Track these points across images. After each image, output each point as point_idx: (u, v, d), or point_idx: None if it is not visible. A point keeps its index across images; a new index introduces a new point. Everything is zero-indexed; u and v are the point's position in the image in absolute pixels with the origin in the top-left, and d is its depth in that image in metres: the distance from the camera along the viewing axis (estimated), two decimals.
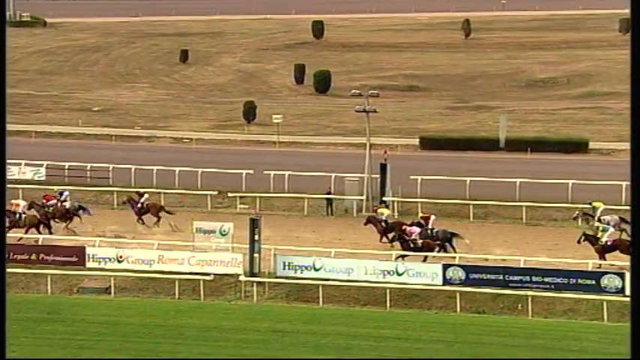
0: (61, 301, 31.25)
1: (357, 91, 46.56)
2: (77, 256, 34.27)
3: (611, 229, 34.44)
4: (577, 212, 38.81)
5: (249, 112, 68.72)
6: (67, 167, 49.27)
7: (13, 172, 49.03)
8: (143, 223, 39.72)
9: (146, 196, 40.78)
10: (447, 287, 31.81)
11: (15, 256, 34.25)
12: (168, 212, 40.02)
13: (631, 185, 20.13)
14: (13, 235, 36.71)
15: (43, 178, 48.45)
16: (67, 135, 63.22)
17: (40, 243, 35.68)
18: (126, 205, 41.10)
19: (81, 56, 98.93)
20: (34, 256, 34.36)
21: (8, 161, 49.76)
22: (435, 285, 32.00)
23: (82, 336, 27.01)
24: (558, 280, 31.32)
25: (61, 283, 33.00)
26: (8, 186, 44.87)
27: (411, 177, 44.83)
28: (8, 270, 32.94)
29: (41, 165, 49.40)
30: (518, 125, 64.55)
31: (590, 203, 38.59)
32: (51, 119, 69.71)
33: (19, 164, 49.52)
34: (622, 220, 35.90)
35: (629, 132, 20.27)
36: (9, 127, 69.28)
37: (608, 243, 33.35)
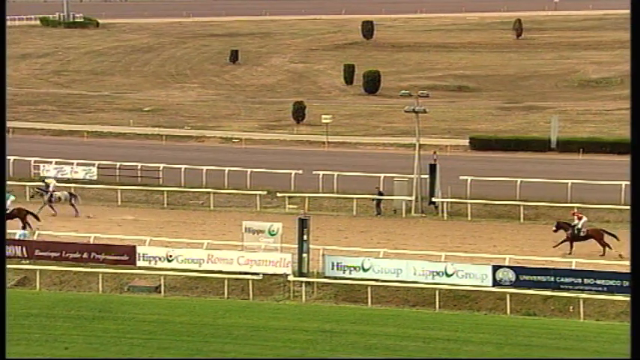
0: (112, 299, 31.55)
1: (407, 92, 46.45)
2: (128, 254, 34.58)
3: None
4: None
5: (299, 113, 68.85)
6: (118, 167, 49.75)
7: (65, 171, 49.64)
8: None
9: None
10: (496, 289, 31.60)
11: (67, 254, 34.68)
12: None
13: (631, 185, 20.06)
14: (65, 234, 37.16)
15: (95, 178, 48.96)
16: (119, 135, 63.82)
17: (91, 242, 36.04)
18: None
19: (132, 57, 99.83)
20: (85, 255, 34.73)
21: (61, 160, 50.53)
22: (484, 286, 31.81)
23: (133, 334, 27.23)
24: (611, 283, 30.95)
25: (112, 282, 33.31)
26: (61, 185, 45.63)
27: (461, 177, 44.60)
28: (61, 268, 33.47)
29: (93, 164, 49.92)
30: (570, 126, 63.94)
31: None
32: (103, 119, 70.42)
33: (72, 164, 50.09)
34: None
35: (630, 132, 20.27)
36: (63, 126, 70.43)
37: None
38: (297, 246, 33.47)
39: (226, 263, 33.89)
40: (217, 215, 42.63)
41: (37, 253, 34.82)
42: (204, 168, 48.29)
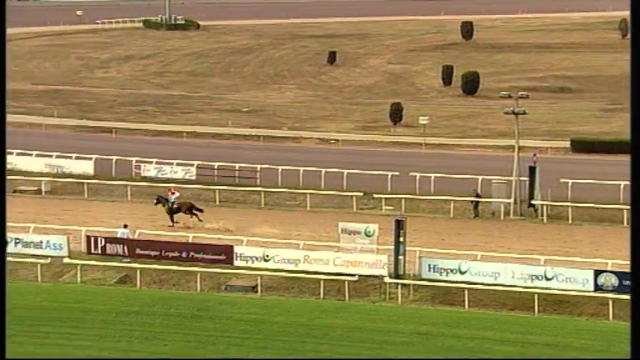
0: (209, 298, 31.97)
1: (506, 93, 45.93)
2: (226, 254, 35.00)
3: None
4: None
5: (396, 114, 68.69)
6: (216, 167, 50.42)
7: (165, 171, 50.52)
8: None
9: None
10: (598, 294, 31.00)
11: (167, 253, 35.30)
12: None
13: (631, 185, 20.13)
14: (164, 233, 37.82)
15: (194, 178, 49.71)
16: (217, 135, 64.67)
17: (190, 241, 36.60)
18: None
19: (231, 58, 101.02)
20: (184, 254, 35.29)
21: (161, 160, 51.45)
22: (586, 291, 31.24)
23: (230, 333, 27.55)
24: None
25: (209, 281, 33.76)
26: (160, 185, 46.49)
27: (562, 180, 43.90)
28: (160, 267, 34.08)
29: (192, 164, 50.69)
30: None
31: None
32: (202, 120, 71.45)
33: (171, 164, 50.96)
34: None
35: (630, 132, 20.44)
36: (162, 127, 71.68)
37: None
38: (393, 248, 33.41)
39: (322, 264, 34.01)
40: (313, 216, 42.83)
41: (138, 251, 35.52)
42: (301, 169, 48.57)
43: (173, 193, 41.19)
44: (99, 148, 54.58)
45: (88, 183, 47.18)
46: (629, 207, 40.18)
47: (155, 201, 41.20)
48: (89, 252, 35.69)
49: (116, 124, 66.95)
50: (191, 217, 40.36)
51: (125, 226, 36.58)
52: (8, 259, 34.36)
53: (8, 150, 52.12)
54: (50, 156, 52.04)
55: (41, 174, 49.70)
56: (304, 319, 29.24)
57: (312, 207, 44.39)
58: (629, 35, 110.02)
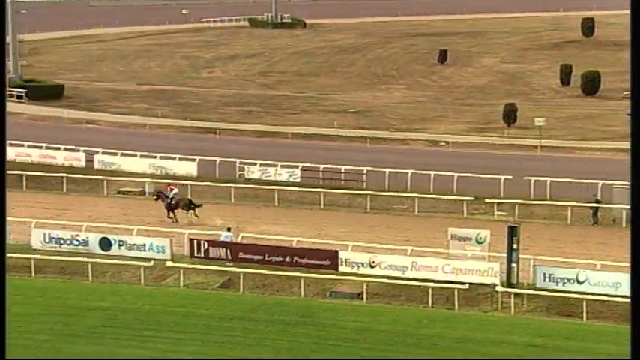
0: (313, 304, 32.06)
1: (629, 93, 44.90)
2: (331, 259, 35.07)
3: None
4: None
5: (510, 115, 67.85)
6: (321, 169, 50.58)
7: (269, 173, 50.94)
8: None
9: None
10: None
11: (270, 257, 35.57)
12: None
13: (631, 185, 20.59)
14: (268, 237, 38.12)
15: (298, 180, 50.00)
16: (323, 137, 64.85)
17: (294, 245, 36.80)
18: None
19: (338, 57, 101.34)
20: (288, 259, 35.51)
21: (265, 162, 51.91)
22: None
23: (334, 341, 27.59)
24: None
25: (314, 287, 33.86)
26: (265, 187, 46.91)
27: None
28: (263, 271, 34.34)
29: (296, 167, 51.00)
30: None
31: None
32: (307, 121, 71.84)
33: (275, 166, 51.37)
34: None
35: (629, 132, 20.91)
36: (267, 128, 72.27)
37: None
38: (505, 255, 32.97)
39: (431, 271, 33.79)
40: (422, 221, 42.60)
41: (241, 255, 35.88)
42: (409, 172, 48.37)
43: (172, 189, 42.21)
44: (202, 149, 55.39)
45: (191, 185, 47.88)
46: None
47: (155, 197, 42.79)
48: (192, 255, 36.22)
49: (220, 125, 67.85)
50: (187, 214, 41.42)
51: (229, 229, 37.00)
52: (113, 261, 35.32)
53: (113, 151, 53.60)
54: (154, 157, 53.02)
55: (145, 175, 50.67)
56: (411, 328, 29.09)
57: (420, 212, 44.15)
58: None
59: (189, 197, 43.00)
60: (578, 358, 25.43)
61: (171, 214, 41.73)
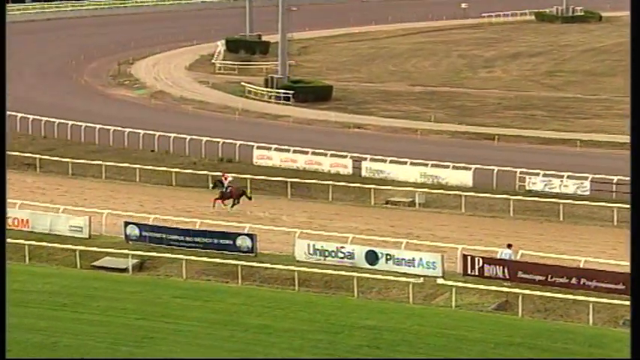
0: (604, 333, 31.16)
1: None
2: (624, 283, 33.96)
3: None
4: None
5: None
6: (615, 182, 49.07)
7: (553, 184, 50.08)
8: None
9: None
10: None
11: (554, 279, 34.99)
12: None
13: (631, 185, 22.13)
14: (550, 255, 37.46)
15: (587, 193, 48.85)
16: (616, 145, 62.90)
17: (581, 266, 36.04)
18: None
19: None
20: (574, 281, 34.79)
21: (549, 172, 51.05)
22: None
23: None
24: None
25: (604, 313, 32.99)
26: (549, 200, 46.20)
27: None
28: (547, 294, 33.76)
29: (585, 178, 49.85)
30: None
31: None
32: (599, 126, 70.11)
33: (561, 176, 50.42)
34: None
35: (629, 132, 22.27)
36: (553, 134, 70.89)
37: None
38: None
39: None
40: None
41: (520, 275, 35.51)
42: None
43: (226, 179, 46.40)
44: (479, 157, 55.24)
45: (465, 195, 47.89)
46: None
47: (212, 185, 47.33)
48: (465, 273, 36.24)
49: (499, 131, 67.43)
50: (234, 204, 45.74)
51: (509, 246, 36.72)
52: (379, 276, 35.90)
53: (381, 157, 54.50)
54: (425, 165, 53.43)
55: (415, 184, 51.18)
56: None
57: None
58: None
59: (243, 188, 47.16)
60: (578, 358, 24.96)
61: (223, 203, 45.96)
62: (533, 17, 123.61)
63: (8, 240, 39.23)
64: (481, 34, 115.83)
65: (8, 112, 63.27)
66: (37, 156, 55.30)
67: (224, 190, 46.25)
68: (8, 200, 44.43)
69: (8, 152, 55.14)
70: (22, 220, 42.31)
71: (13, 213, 42.19)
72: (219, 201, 46.08)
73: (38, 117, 62.99)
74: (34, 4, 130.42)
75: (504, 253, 36.47)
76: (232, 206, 45.86)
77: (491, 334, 30.36)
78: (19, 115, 63.28)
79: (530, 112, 77.01)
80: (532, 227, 43.16)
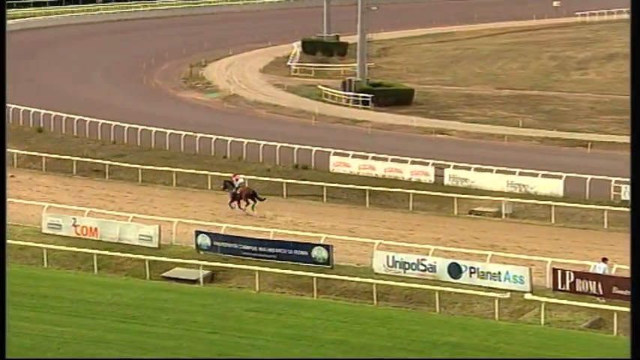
0: None
1: None
2: None
3: None
4: None
5: None
6: None
7: None
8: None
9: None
10: None
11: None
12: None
13: (631, 185, 22.70)
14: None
15: None
16: None
17: None
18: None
19: None
20: None
21: None
22: None
23: None
24: None
25: None
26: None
27: None
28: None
29: None
30: None
31: None
32: None
33: None
34: None
35: (630, 132, 23.38)
36: None
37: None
38: None
39: None
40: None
41: (615, 290, 35.04)
42: None
43: (237, 179, 47.50)
44: (570, 165, 54.71)
45: (556, 206, 47.43)
46: None
47: (223, 186, 48.44)
48: (555, 288, 35.86)
49: (593, 137, 66.76)
50: (246, 204, 46.72)
51: (604, 260, 36.26)
52: (463, 290, 35.67)
53: (465, 164, 54.23)
54: (513, 173, 53.03)
55: (502, 193, 50.82)
56: None
57: None
58: None
59: (252, 189, 47.81)
60: (578, 358, 24.88)
61: (234, 204, 46.96)
62: (629, 16, 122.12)
63: (76, 249, 40.03)
64: (574, 33, 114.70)
65: (78, 116, 64.62)
66: (107, 162, 55.97)
67: (235, 191, 47.11)
68: (77, 208, 45.57)
69: (78, 158, 56.49)
70: (91, 228, 42.82)
71: (81, 221, 42.81)
72: (237, 202, 46.99)
73: (108, 121, 63.74)
74: (105, 4, 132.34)
75: (598, 268, 36.00)
76: (240, 207, 46.87)
77: (583, 353, 30.02)
78: (88, 119, 64.11)
79: (626, 117, 75.94)
80: (628, 240, 42.48)
